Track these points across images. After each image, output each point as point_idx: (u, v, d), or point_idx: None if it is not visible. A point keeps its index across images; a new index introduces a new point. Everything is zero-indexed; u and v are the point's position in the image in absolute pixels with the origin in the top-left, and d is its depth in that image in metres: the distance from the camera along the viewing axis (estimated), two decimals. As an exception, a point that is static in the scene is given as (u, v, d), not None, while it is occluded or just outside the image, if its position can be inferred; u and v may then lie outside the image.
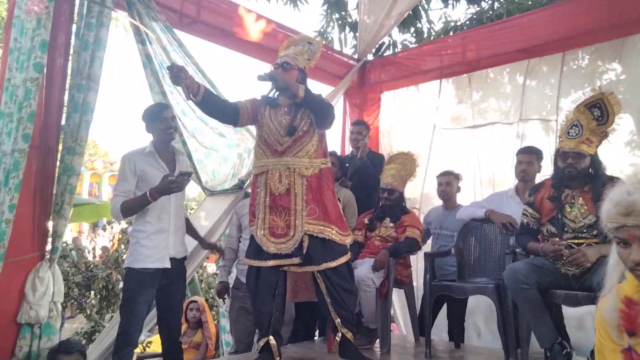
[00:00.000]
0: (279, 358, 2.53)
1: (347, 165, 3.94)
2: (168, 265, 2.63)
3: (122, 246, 4.86)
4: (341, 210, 2.75)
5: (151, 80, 3.34)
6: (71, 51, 3.06)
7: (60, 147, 3.03)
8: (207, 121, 3.53)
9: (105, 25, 3.06)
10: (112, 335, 3.14)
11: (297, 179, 2.55)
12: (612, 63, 4.04)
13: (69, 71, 3.07)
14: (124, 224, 5.26)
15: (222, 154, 3.67)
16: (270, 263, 2.51)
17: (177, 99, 3.37)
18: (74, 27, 3.07)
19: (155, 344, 4.94)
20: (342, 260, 2.59)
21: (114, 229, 5.29)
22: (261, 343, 2.53)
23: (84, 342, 4.27)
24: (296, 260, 2.50)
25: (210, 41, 3.85)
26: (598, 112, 2.52)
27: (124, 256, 4.56)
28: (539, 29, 4.00)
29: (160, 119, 2.70)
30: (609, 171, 2.59)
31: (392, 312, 4.49)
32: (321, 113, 2.60)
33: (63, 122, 3.01)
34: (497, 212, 3.07)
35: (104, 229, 5.55)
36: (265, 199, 2.57)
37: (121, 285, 4.72)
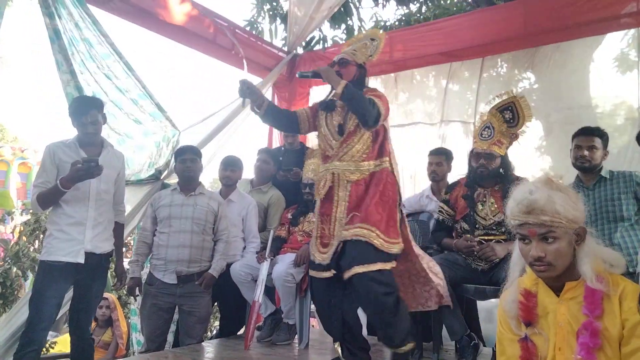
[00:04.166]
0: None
1: (280, 158, 3.89)
2: (81, 260, 2.50)
3: (24, 239, 4.45)
4: (396, 217, 2.39)
5: (59, 58, 3.05)
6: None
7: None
8: (122, 106, 3.30)
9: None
10: (3, 335, 2.89)
11: (341, 185, 2.39)
12: (527, 72, 4.30)
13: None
14: (27, 216, 4.83)
15: (137, 142, 3.44)
16: (325, 275, 2.33)
17: (87, 79, 3.12)
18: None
19: (60, 344, 4.59)
20: (379, 266, 2.21)
21: (15, 221, 4.83)
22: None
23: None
24: (326, 274, 2.32)
25: (129, 21, 3.59)
26: (509, 115, 2.65)
27: (26, 250, 4.20)
28: (460, 33, 4.16)
29: (79, 122, 2.59)
30: (521, 174, 2.73)
31: (312, 307, 4.50)
32: (359, 111, 2.33)
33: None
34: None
35: (3, 220, 5.05)
36: (319, 207, 2.47)
37: (22, 281, 4.36)
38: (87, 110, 2.59)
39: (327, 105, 2.52)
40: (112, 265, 3.02)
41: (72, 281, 2.55)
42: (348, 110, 2.42)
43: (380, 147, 2.45)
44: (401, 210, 2.46)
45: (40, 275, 2.51)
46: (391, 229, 2.31)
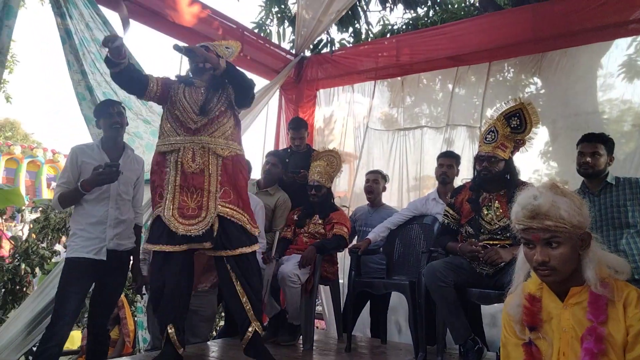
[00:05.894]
0: (182, 349, 2.42)
1: (287, 160, 3.91)
2: (103, 257, 2.59)
3: (34, 236, 4.50)
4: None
5: (70, 58, 3.11)
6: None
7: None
8: (131, 106, 3.35)
9: (16, -9, 2.80)
10: (12, 331, 2.92)
11: (212, 159, 2.47)
12: (533, 77, 4.30)
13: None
14: (36, 214, 4.88)
15: (146, 142, 3.48)
16: (183, 247, 2.39)
17: (98, 80, 3.17)
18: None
19: (69, 340, 4.63)
20: (255, 247, 2.52)
21: (25, 218, 4.88)
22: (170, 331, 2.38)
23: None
24: (207, 244, 2.40)
25: (139, 22, 3.63)
26: (516, 122, 2.64)
27: (35, 247, 4.25)
28: (467, 38, 4.17)
29: (106, 113, 2.70)
30: (527, 180, 2.73)
31: (319, 309, 4.51)
32: (242, 88, 2.54)
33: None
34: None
35: (13, 217, 5.10)
36: (175, 178, 2.44)
37: (31, 278, 4.40)
38: (112, 103, 2.78)
39: (187, 80, 2.59)
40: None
41: (94, 278, 2.64)
42: (214, 91, 2.53)
43: (240, 135, 2.66)
44: None
45: (65, 272, 2.60)
46: (253, 216, 2.61)
